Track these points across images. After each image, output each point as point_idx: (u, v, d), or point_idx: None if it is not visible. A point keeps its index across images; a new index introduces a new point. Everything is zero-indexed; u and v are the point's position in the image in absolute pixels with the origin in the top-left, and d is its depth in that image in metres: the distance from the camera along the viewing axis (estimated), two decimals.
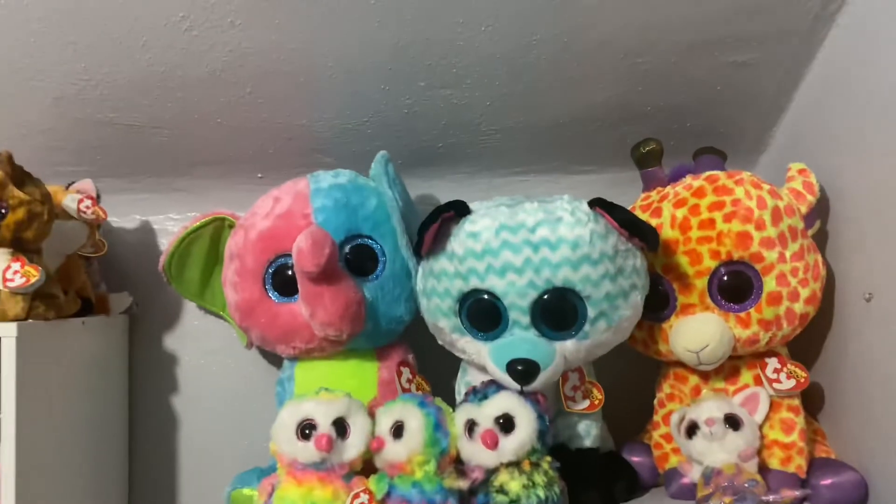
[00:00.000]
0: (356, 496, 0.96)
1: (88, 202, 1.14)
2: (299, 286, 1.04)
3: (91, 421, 1.18)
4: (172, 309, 1.34)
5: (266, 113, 1.20)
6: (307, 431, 0.97)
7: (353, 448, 0.99)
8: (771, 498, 0.97)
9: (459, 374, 1.18)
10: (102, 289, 1.27)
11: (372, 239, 1.12)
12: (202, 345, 1.34)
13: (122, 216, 1.35)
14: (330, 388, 1.05)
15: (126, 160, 1.28)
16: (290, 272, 1.08)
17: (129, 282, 1.32)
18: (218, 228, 1.22)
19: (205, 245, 1.22)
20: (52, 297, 1.06)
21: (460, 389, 1.16)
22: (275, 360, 1.31)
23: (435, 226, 1.03)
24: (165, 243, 1.24)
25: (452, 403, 1.07)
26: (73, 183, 1.19)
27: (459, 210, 1.05)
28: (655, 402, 1.22)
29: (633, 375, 1.26)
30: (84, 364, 1.16)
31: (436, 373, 1.20)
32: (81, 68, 1.11)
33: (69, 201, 1.13)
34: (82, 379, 1.16)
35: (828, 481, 1.08)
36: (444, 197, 1.30)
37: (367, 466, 1.02)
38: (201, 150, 1.27)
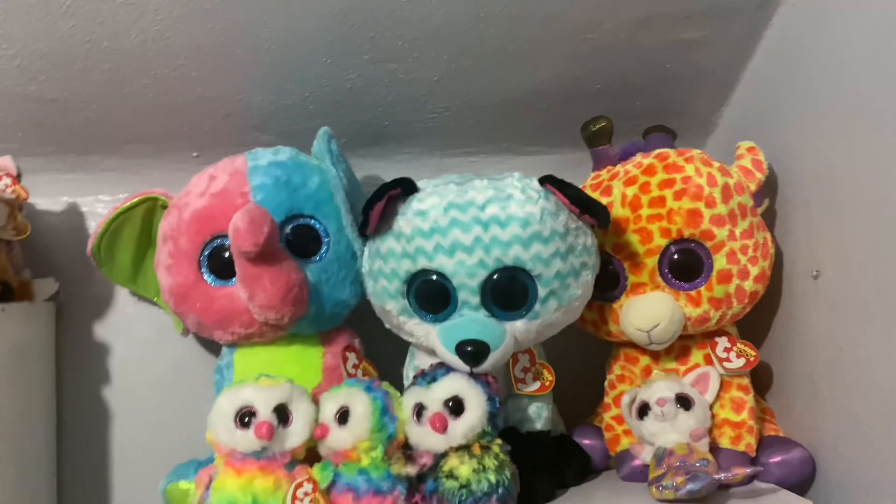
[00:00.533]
0: (299, 486, 0.91)
1: (7, 180, 1.06)
2: (237, 268, 0.98)
3: (14, 413, 1.10)
4: (103, 295, 1.27)
5: (200, 87, 1.14)
6: (246, 419, 0.92)
7: (295, 436, 0.94)
8: (722, 476, 0.96)
9: (407, 359, 1.14)
10: (26, 274, 1.19)
11: (314, 219, 1.07)
12: (135, 333, 1.27)
13: (48, 197, 1.26)
14: (271, 374, 1.00)
15: (50, 137, 1.20)
16: (226, 254, 1.03)
17: (55, 267, 1.24)
18: (150, 209, 1.15)
19: (136, 227, 1.15)
20: None
21: (408, 374, 1.13)
22: (213, 347, 1.25)
23: (381, 204, 0.99)
24: (94, 226, 1.17)
25: (401, 390, 1.03)
26: None
27: (406, 188, 1.01)
28: (606, 383, 1.20)
29: (584, 357, 1.25)
30: (5, 353, 1.09)
31: (383, 358, 1.16)
32: None
33: None
34: (4, 369, 1.08)
35: (776, 459, 1.08)
36: (391, 178, 1.25)
37: (311, 455, 0.98)
38: (132, 127, 1.20)
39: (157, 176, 1.25)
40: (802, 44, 1.12)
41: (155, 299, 1.21)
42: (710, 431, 1.07)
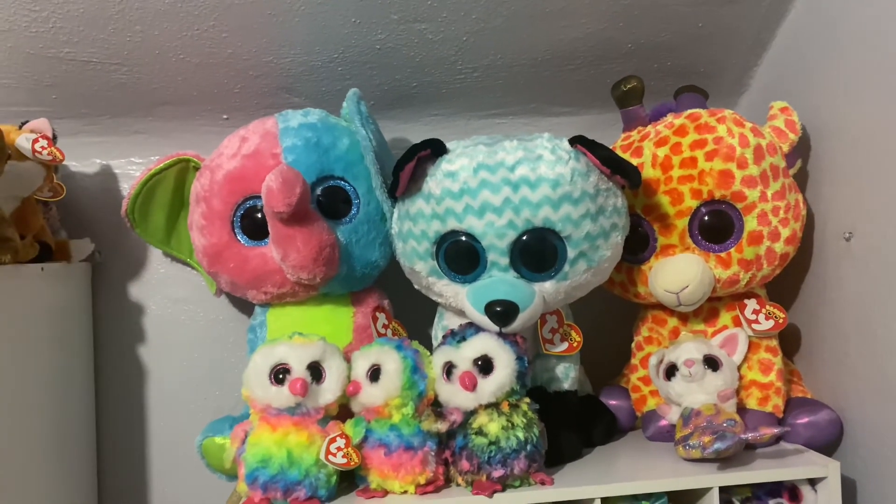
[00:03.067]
0: (332, 441, 0.94)
1: (44, 142, 1.07)
2: (270, 228, 1.00)
3: (54, 371, 1.13)
4: (137, 256, 1.29)
5: (230, 48, 1.14)
6: (281, 376, 0.94)
7: (328, 392, 0.96)
8: (749, 435, 0.97)
9: (436, 319, 1.16)
10: (62, 235, 1.22)
11: (345, 180, 1.08)
12: (169, 293, 1.29)
13: (82, 160, 1.28)
14: (304, 333, 1.01)
15: (83, 99, 1.21)
16: (259, 214, 1.04)
17: (90, 228, 1.26)
18: (182, 170, 1.16)
19: (169, 188, 1.17)
20: (7, 241, 1.00)
21: (437, 335, 1.14)
22: (245, 307, 1.27)
23: (410, 165, 0.99)
24: (128, 188, 1.18)
25: (430, 350, 1.04)
26: (27, 122, 1.12)
27: (436, 149, 1.01)
28: (633, 345, 1.21)
29: (612, 319, 1.25)
30: (44, 312, 1.11)
31: (412, 319, 1.17)
32: None
33: (23, 141, 1.06)
34: (43, 328, 1.11)
35: (804, 420, 1.08)
36: (420, 140, 1.24)
37: (343, 411, 1.00)
38: (163, 89, 1.21)
39: (187, 138, 1.26)
40: (836, 4, 1.09)
41: (188, 260, 1.23)
42: (737, 392, 1.08)
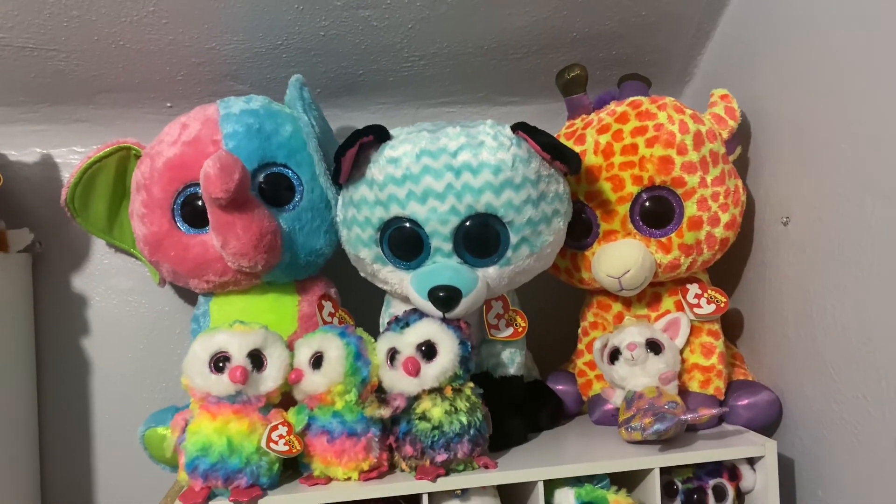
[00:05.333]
0: (274, 428, 0.93)
1: None
2: (209, 215, 0.99)
3: None
4: (79, 247, 1.27)
5: (172, 34, 1.12)
6: (221, 364, 0.93)
7: (269, 380, 0.95)
8: (689, 416, 0.98)
9: (383, 308, 1.15)
10: (0, 225, 1.19)
11: (287, 167, 1.07)
12: (112, 283, 1.27)
13: (21, 149, 1.25)
14: (247, 321, 1.00)
15: (21, 87, 1.19)
16: (199, 202, 1.03)
17: (30, 219, 1.23)
18: (123, 158, 1.15)
19: (110, 176, 1.15)
20: None
21: (384, 322, 1.14)
22: (190, 297, 1.26)
23: (352, 151, 0.99)
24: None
25: (378, 338, 1.04)
26: None
27: (379, 135, 1.01)
28: (579, 330, 1.22)
29: (559, 305, 1.26)
30: None
31: (360, 308, 1.17)
32: None
33: None
34: None
35: (744, 401, 1.10)
36: None
37: (287, 400, 0.99)
38: (104, 76, 1.18)
39: (130, 127, 1.24)
40: None
41: (131, 250, 1.21)
42: (680, 376, 1.09)
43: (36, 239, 1.21)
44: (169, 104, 1.24)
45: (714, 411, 1.01)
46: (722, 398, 1.11)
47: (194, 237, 1.05)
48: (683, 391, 1.10)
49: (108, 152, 1.13)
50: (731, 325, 1.23)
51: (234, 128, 1.05)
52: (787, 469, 1.08)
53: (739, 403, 1.10)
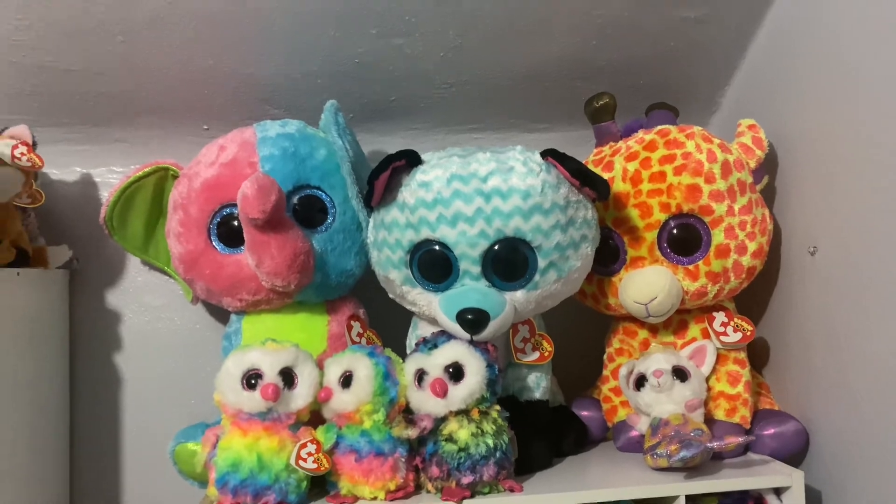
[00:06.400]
0: (303, 446, 0.94)
1: (23, 148, 1.08)
2: (245, 235, 1.01)
3: (28, 376, 1.14)
4: (115, 264, 1.30)
5: (211, 60, 1.16)
6: (253, 381, 0.95)
7: (300, 398, 0.97)
8: (715, 444, 0.98)
9: (410, 329, 1.17)
10: (41, 242, 1.22)
11: (321, 190, 1.10)
12: (146, 300, 1.30)
13: (62, 168, 1.29)
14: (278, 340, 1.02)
15: (65, 108, 1.23)
16: (235, 222, 1.05)
17: (69, 236, 1.26)
18: (161, 179, 1.18)
19: (148, 196, 1.18)
20: None
21: (411, 344, 1.15)
22: (222, 315, 1.28)
23: (385, 174, 1.01)
24: (107, 196, 1.19)
25: (404, 358, 1.05)
26: (6, 129, 1.13)
27: (411, 159, 1.03)
28: (605, 356, 1.23)
29: (585, 331, 1.27)
30: (20, 317, 1.12)
31: (388, 328, 1.18)
32: (14, 7, 1.05)
33: (2, 147, 1.07)
34: (19, 333, 1.11)
35: (770, 431, 1.10)
36: None
37: (316, 418, 1.01)
38: (144, 99, 1.22)
39: (168, 148, 1.27)
40: (802, 25, 1.13)
41: (166, 268, 1.24)
42: (705, 403, 1.09)
43: (74, 256, 1.24)
44: (206, 126, 1.28)
45: (740, 440, 1.01)
46: (748, 427, 1.11)
47: (229, 256, 1.08)
48: (709, 419, 1.10)
49: (147, 172, 1.16)
50: (758, 354, 1.23)
51: (271, 151, 1.08)
52: (813, 500, 1.07)
53: (766, 433, 1.10)
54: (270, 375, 0.95)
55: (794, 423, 1.12)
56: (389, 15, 1.12)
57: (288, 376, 0.97)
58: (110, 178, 1.30)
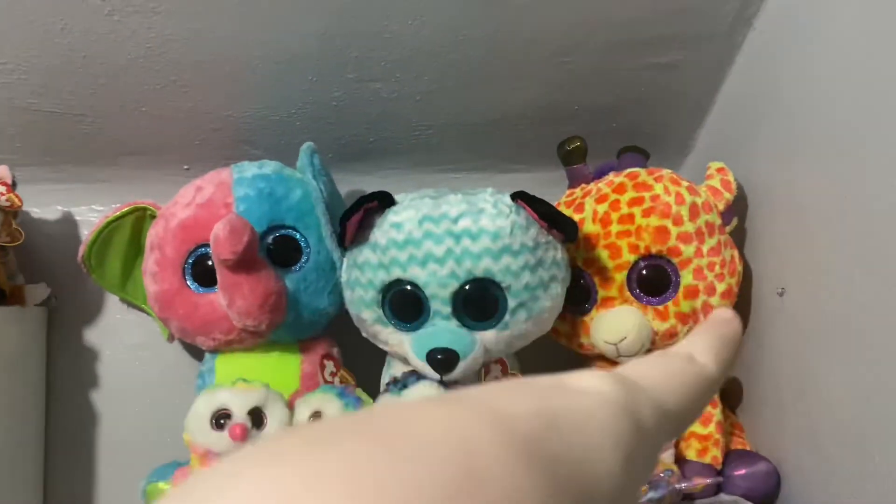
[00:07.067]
0: None
1: (2, 188, 1.10)
2: (217, 275, 1.02)
3: (4, 414, 1.14)
4: (93, 302, 1.31)
5: (191, 102, 1.19)
6: (222, 421, 0.96)
7: None
8: (684, 485, 0.99)
9: (384, 367, 1.18)
10: (20, 280, 1.23)
11: (295, 230, 1.11)
12: (124, 339, 1.31)
13: (43, 206, 1.31)
14: (249, 379, 1.03)
15: (47, 149, 1.25)
16: (210, 262, 1.06)
17: (48, 274, 1.27)
18: (139, 218, 1.19)
19: (126, 235, 1.19)
20: None
21: (385, 383, 1.16)
22: (197, 353, 1.29)
23: (358, 216, 1.03)
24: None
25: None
26: None
27: (383, 200, 1.05)
28: None
29: (557, 371, 1.27)
30: None
31: (364, 367, 1.19)
32: None
33: None
34: None
35: (741, 471, 1.10)
36: None
37: None
38: (126, 140, 1.25)
39: (149, 187, 1.28)
40: (772, 70, 1.15)
41: (143, 306, 1.25)
42: (676, 444, 1.10)
43: (52, 293, 1.26)
44: (186, 166, 1.30)
45: (709, 480, 1.01)
46: (719, 467, 1.11)
47: (203, 296, 1.09)
48: (680, 459, 1.10)
49: (125, 212, 1.18)
50: (731, 394, 1.24)
51: (246, 192, 1.09)
52: None
53: (736, 473, 1.10)
54: (239, 416, 0.96)
55: (765, 463, 1.12)
56: (366, 60, 1.15)
57: (257, 416, 0.97)
58: (91, 217, 1.32)
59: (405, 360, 1.07)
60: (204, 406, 0.97)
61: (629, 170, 1.16)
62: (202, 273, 1.09)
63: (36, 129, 1.21)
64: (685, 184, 1.12)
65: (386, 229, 1.03)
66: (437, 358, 0.99)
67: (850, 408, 0.96)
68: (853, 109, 0.98)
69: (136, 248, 1.21)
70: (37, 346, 1.26)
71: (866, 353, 0.94)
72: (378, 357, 1.17)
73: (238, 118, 1.23)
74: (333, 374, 1.14)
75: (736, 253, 1.13)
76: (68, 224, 1.32)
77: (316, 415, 0.98)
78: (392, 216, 1.04)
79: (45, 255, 1.29)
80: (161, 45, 1.10)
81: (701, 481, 0.99)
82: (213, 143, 1.26)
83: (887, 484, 0.90)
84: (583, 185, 1.20)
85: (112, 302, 1.31)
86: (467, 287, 1.01)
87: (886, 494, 0.90)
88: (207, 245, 1.05)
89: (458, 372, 1.00)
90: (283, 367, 1.12)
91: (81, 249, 1.18)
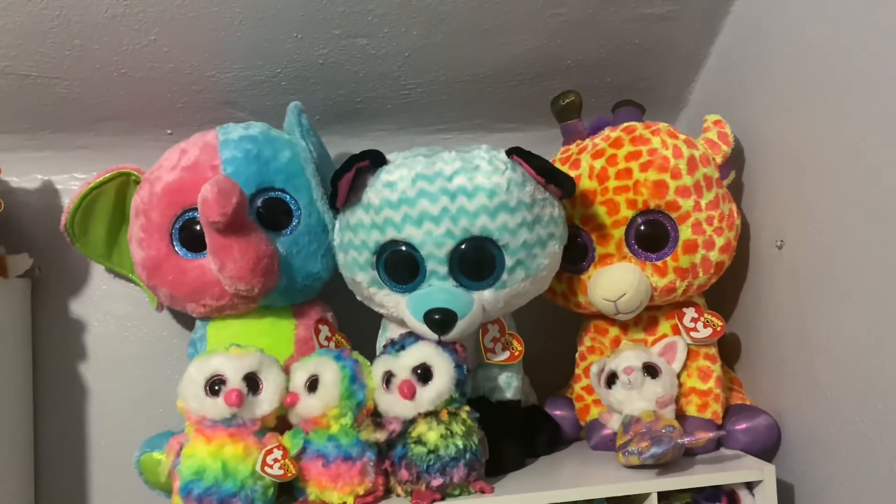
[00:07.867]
0: (269, 452, 0.93)
1: None
2: (207, 239, 0.99)
3: None
4: (78, 272, 1.27)
5: (172, 63, 1.14)
6: (216, 387, 0.93)
7: (265, 403, 0.95)
8: (686, 440, 0.98)
9: (380, 331, 1.16)
10: (0, 251, 1.20)
11: (285, 192, 1.08)
12: (110, 308, 1.28)
13: (22, 175, 1.27)
14: (242, 345, 1.01)
15: (24, 114, 1.20)
16: (198, 227, 1.03)
17: (30, 244, 1.24)
18: (123, 184, 1.16)
19: (109, 202, 1.16)
20: None
21: (380, 346, 1.14)
22: (188, 322, 1.26)
23: (349, 175, 1.00)
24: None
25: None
26: None
27: (375, 159, 1.02)
28: (577, 355, 1.22)
29: (556, 331, 1.26)
30: None
31: (357, 332, 1.16)
32: None
33: None
34: None
35: (742, 426, 1.10)
36: None
37: (282, 423, 0.99)
38: (105, 104, 1.20)
39: (131, 153, 1.24)
40: (766, 20, 1.13)
41: (130, 275, 1.22)
42: (677, 400, 1.09)
43: (35, 264, 1.22)
44: (169, 131, 1.26)
45: (711, 435, 1.01)
46: (720, 422, 1.11)
47: (192, 261, 1.06)
48: (681, 415, 1.09)
49: (108, 178, 1.14)
50: (729, 349, 1.23)
51: (233, 153, 1.06)
52: (786, 494, 1.07)
53: (737, 428, 1.10)
54: (234, 381, 0.94)
55: (765, 417, 1.12)
56: (352, 14, 1.11)
57: (252, 382, 0.95)
58: (72, 185, 1.28)
59: (401, 323, 1.05)
60: (197, 372, 0.95)
61: (625, 124, 1.13)
62: (190, 238, 1.06)
63: (10, 94, 1.16)
64: (682, 137, 1.10)
65: (379, 189, 1.00)
66: (435, 318, 0.97)
67: (854, 356, 0.96)
68: (847, 59, 0.96)
69: (120, 215, 1.17)
70: (21, 318, 1.22)
71: (867, 303, 0.93)
72: (373, 321, 1.15)
73: (221, 79, 1.18)
74: (328, 339, 1.11)
75: (734, 206, 1.12)
76: (49, 193, 1.28)
77: (313, 379, 0.96)
78: (385, 175, 1.01)
79: (26, 225, 1.26)
80: (139, 2, 1.05)
81: (703, 435, 0.99)
82: (196, 105, 1.22)
83: (891, 431, 0.90)
84: (578, 141, 1.17)
85: (98, 272, 1.28)
86: (464, 246, 0.99)
87: (890, 443, 0.90)
88: (195, 209, 1.02)
89: (455, 332, 0.98)
90: (276, 333, 1.10)
91: (63, 217, 1.15)
